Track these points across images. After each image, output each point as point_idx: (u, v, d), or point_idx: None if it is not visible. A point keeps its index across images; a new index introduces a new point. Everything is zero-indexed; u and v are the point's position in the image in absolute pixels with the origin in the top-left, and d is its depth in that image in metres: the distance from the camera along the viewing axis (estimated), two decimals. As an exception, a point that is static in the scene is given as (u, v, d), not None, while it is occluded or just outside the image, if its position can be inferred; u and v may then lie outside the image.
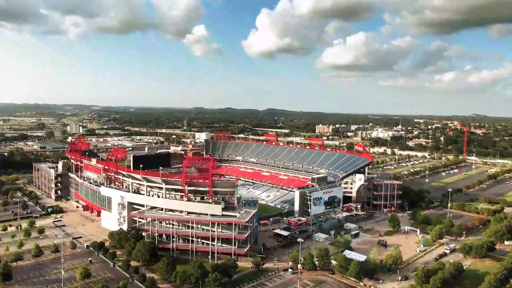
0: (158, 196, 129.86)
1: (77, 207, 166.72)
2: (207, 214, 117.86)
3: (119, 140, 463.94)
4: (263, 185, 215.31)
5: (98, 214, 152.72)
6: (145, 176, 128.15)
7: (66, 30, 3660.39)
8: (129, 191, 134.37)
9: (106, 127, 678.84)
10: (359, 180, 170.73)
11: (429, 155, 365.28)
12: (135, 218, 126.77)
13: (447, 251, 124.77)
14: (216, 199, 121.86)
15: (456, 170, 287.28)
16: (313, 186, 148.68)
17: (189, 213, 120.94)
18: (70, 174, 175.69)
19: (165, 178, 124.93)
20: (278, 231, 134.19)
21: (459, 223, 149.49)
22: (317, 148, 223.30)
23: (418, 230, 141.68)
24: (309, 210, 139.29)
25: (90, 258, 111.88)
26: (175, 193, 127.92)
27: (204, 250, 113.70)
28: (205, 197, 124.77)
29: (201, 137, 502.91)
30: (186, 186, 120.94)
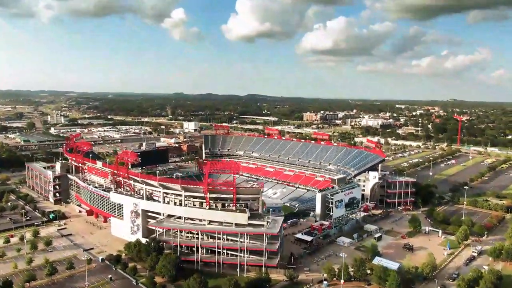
0: (175, 203, 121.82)
1: (80, 211, 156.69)
2: (231, 224, 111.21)
3: (104, 131, 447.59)
4: (268, 181, 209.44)
5: (105, 220, 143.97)
6: (162, 182, 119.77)
7: (38, 13, 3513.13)
8: (142, 198, 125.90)
9: (88, 116, 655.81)
10: (373, 178, 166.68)
11: (422, 144, 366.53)
12: (154, 228, 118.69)
13: (475, 254, 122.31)
14: (238, 205, 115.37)
15: (453, 161, 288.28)
16: (333, 187, 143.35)
17: (210, 222, 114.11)
18: (70, 176, 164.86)
19: (185, 185, 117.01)
20: (300, 236, 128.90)
21: (475, 221, 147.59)
22: (322, 142, 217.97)
23: (440, 231, 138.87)
24: (331, 213, 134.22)
25: (110, 276, 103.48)
26: (193, 200, 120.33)
27: (231, 262, 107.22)
28: (226, 204, 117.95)
29: (190, 126, 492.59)
30: (208, 193, 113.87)
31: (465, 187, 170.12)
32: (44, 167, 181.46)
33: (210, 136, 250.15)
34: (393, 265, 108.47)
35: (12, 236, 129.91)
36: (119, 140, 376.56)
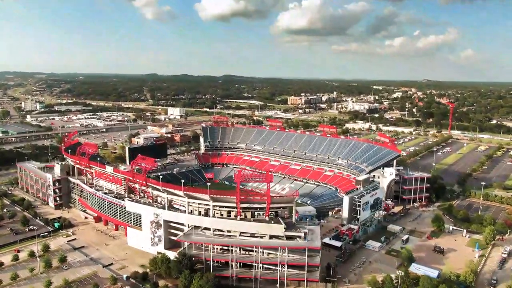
0: (199, 213, 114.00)
1: (86, 217, 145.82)
2: (264, 235, 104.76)
3: (85, 118, 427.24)
4: (274, 175, 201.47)
5: (117, 228, 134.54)
6: (188, 192, 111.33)
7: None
8: (163, 207, 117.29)
9: (64, 101, 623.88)
10: (389, 174, 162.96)
11: (414, 131, 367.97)
12: (185, 243, 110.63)
13: (505, 256, 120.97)
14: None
15: (448, 149, 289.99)
16: (357, 189, 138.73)
17: (241, 233, 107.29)
18: (72, 179, 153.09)
19: (214, 195, 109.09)
20: (328, 241, 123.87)
21: (492, 217, 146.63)
22: (328, 135, 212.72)
23: (465, 231, 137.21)
24: (358, 216, 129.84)
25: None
26: (220, 209, 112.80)
27: (270, 277, 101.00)
28: (256, 213, 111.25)
29: (174, 113, 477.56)
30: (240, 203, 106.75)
31: (482, 183, 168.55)
32: (40, 168, 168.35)
33: (209, 128, 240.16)
34: (432, 273, 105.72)
35: (18, 251, 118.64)
36: (104, 130, 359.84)
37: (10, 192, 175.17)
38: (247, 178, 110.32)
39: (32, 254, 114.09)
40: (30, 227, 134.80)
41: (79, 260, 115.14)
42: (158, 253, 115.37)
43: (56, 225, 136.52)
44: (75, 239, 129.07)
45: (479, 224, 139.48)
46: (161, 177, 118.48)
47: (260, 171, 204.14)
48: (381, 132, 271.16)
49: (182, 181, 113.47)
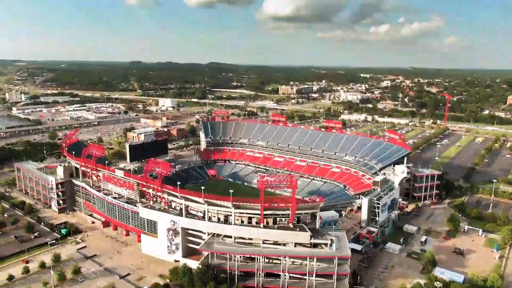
0: (218, 219, 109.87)
1: (93, 222, 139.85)
2: (288, 243, 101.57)
3: (74, 110, 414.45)
4: (278, 172, 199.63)
5: (127, 233, 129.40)
6: (208, 199, 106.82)
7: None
8: (180, 214, 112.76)
9: (49, 92, 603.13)
10: (401, 173, 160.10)
11: (410, 122, 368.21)
12: (196, 246, 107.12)
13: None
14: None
15: (446, 141, 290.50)
16: (374, 189, 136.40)
17: (264, 241, 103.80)
18: (76, 182, 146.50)
19: (237, 203, 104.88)
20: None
21: (502, 213, 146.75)
22: (334, 131, 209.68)
23: (481, 230, 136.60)
24: (377, 218, 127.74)
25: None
26: (240, 215, 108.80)
27: (296, 287, 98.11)
28: (277, 219, 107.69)
29: (166, 104, 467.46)
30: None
31: (493, 180, 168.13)
32: (39, 169, 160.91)
33: (210, 123, 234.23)
34: (458, 277, 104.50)
35: (27, 262, 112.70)
36: (96, 123, 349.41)
37: (8, 194, 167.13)
38: (270, 184, 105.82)
39: (43, 265, 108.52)
40: (36, 234, 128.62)
41: (93, 270, 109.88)
42: (176, 261, 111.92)
43: (63, 231, 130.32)
44: (85, 246, 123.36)
45: (494, 223, 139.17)
46: (178, 183, 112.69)
47: (265, 167, 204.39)
48: (389, 129, 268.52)
49: (203, 188, 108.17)
